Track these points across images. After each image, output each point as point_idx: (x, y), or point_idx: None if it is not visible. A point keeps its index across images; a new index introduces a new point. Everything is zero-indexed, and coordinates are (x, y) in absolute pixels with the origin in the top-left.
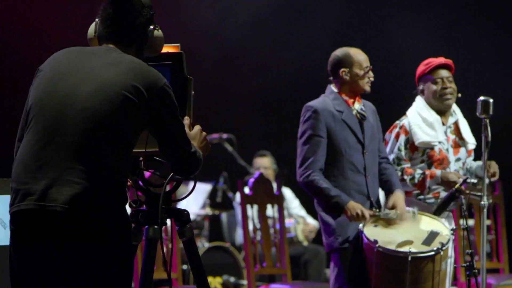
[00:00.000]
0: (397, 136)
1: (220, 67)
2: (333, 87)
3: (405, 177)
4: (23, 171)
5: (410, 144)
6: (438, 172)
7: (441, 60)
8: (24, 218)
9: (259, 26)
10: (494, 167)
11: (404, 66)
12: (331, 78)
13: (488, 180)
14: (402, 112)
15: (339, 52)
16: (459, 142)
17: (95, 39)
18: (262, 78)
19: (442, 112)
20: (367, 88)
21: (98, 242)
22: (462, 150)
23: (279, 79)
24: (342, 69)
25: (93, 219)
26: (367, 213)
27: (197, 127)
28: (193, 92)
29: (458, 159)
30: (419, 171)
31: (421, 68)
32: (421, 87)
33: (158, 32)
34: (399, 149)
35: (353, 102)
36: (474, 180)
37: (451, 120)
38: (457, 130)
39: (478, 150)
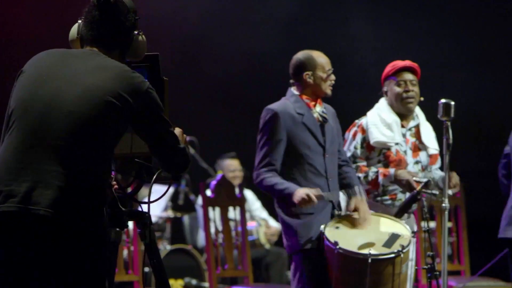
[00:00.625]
0: (355, 135)
1: (181, 68)
2: (294, 90)
3: (359, 174)
4: (5, 172)
5: (367, 144)
6: (391, 170)
7: (406, 63)
8: (5, 220)
9: (223, 22)
10: (455, 178)
11: (366, 68)
12: (292, 81)
13: (451, 191)
14: (362, 115)
15: (301, 55)
16: (419, 145)
17: (77, 41)
18: (223, 80)
19: (404, 114)
20: (329, 91)
21: (80, 245)
22: (423, 154)
23: (242, 82)
24: (306, 72)
25: (75, 222)
26: (313, 195)
27: (178, 129)
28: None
29: (417, 162)
30: (373, 169)
31: (386, 69)
32: (385, 88)
33: (142, 38)
34: (355, 148)
35: (314, 105)
36: (436, 192)
37: (412, 123)
38: (418, 134)
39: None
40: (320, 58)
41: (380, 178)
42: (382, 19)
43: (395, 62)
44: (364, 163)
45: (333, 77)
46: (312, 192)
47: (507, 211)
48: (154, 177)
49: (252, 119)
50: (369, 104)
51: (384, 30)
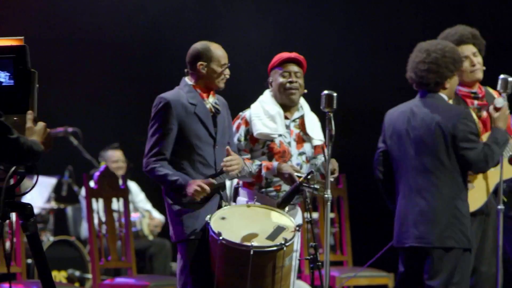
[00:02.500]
0: (238, 127)
1: (65, 60)
2: (188, 80)
3: None
4: None
5: (250, 136)
6: (274, 163)
7: (291, 54)
8: None
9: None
10: (334, 164)
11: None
12: (187, 70)
13: (331, 178)
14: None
15: (199, 45)
16: (304, 137)
17: None
18: (107, 70)
19: (288, 106)
20: (222, 85)
21: None
22: (307, 145)
23: (123, 72)
24: (200, 63)
25: None
26: (205, 186)
27: (41, 124)
28: (37, 85)
29: (301, 153)
30: (257, 162)
31: (273, 60)
32: (270, 79)
33: None
34: (238, 140)
35: (207, 96)
36: (317, 186)
37: (296, 115)
38: (302, 125)
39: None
40: (217, 50)
41: (263, 171)
42: (270, 10)
43: (282, 53)
44: (248, 156)
45: (227, 71)
46: (203, 182)
47: (399, 218)
48: (12, 170)
49: (136, 109)
50: (258, 96)
51: (272, 21)
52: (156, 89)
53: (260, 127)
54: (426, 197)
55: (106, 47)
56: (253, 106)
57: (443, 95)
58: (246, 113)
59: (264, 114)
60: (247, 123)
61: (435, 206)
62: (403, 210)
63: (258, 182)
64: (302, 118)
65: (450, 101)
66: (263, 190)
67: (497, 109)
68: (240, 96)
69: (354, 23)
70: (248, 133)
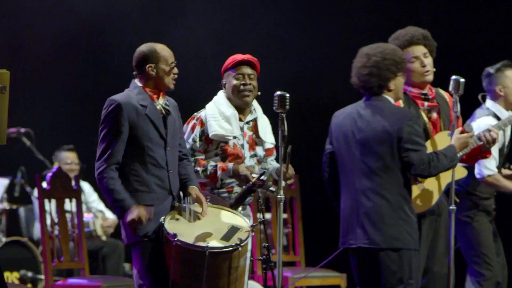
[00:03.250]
0: (193, 128)
1: (18, 60)
2: (137, 82)
3: (198, 168)
4: None
5: (205, 137)
6: (230, 165)
7: (245, 56)
8: None
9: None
10: (290, 172)
11: (204, 61)
12: (135, 72)
13: (284, 183)
14: (201, 108)
15: (144, 47)
16: (256, 140)
17: None
18: (60, 71)
19: (241, 108)
20: (172, 86)
21: None
22: (259, 148)
23: (76, 73)
24: (149, 65)
25: None
26: (144, 218)
27: None
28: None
29: (253, 155)
30: (212, 163)
31: (226, 62)
32: (224, 81)
33: None
34: (193, 141)
35: (158, 97)
36: (273, 189)
37: (249, 117)
38: (255, 128)
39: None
40: (164, 51)
41: (219, 172)
42: (221, 11)
43: (235, 55)
44: (203, 157)
45: (176, 70)
46: (144, 214)
47: (344, 219)
48: None
49: (89, 110)
50: (209, 96)
51: (223, 22)
52: (107, 90)
53: (216, 128)
54: (371, 199)
55: (58, 47)
56: (208, 106)
57: (388, 97)
58: (202, 114)
59: (219, 115)
60: (203, 123)
61: (380, 208)
62: (348, 211)
63: (213, 182)
64: (255, 120)
65: (400, 102)
66: (215, 191)
67: (463, 132)
68: (190, 97)
69: (306, 23)
70: (203, 133)
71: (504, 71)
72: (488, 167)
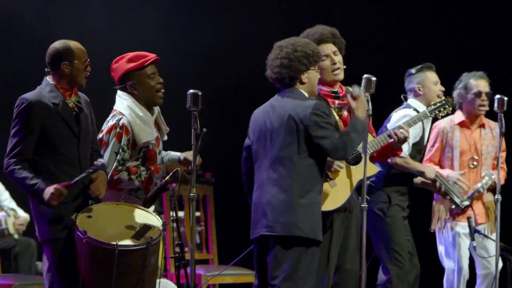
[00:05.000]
0: (119, 137)
1: None
2: (49, 79)
3: (132, 176)
4: None
5: (131, 144)
6: (163, 166)
7: (153, 56)
8: None
9: None
10: (189, 157)
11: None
12: (47, 69)
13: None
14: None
15: (59, 44)
16: (159, 135)
17: None
18: None
19: (150, 108)
20: (84, 83)
21: None
22: (161, 144)
23: None
24: (64, 62)
25: None
26: (62, 189)
27: None
28: None
29: (159, 152)
30: (142, 168)
31: (132, 63)
32: (132, 82)
33: None
34: (123, 150)
35: (70, 95)
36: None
37: (153, 116)
38: (157, 125)
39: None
40: (78, 49)
41: (154, 174)
42: (119, 8)
43: (137, 54)
44: (133, 164)
45: (89, 68)
46: (60, 187)
47: (252, 210)
48: None
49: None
50: (113, 94)
51: (121, 20)
52: (19, 87)
53: (145, 135)
54: (276, 187)
55: None
56: (126, 112)
57: (302, 90)
58: (124, 121)
59: (139, 121)
60: (128, 131)
61: (282, 196)
62: (256, 201)
63: (149, 185)
64: (156, 118)
65: None
66: (133, 192)
67: (354, 98)
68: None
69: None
70: (129, 141)
71: (425, 72)
72: None
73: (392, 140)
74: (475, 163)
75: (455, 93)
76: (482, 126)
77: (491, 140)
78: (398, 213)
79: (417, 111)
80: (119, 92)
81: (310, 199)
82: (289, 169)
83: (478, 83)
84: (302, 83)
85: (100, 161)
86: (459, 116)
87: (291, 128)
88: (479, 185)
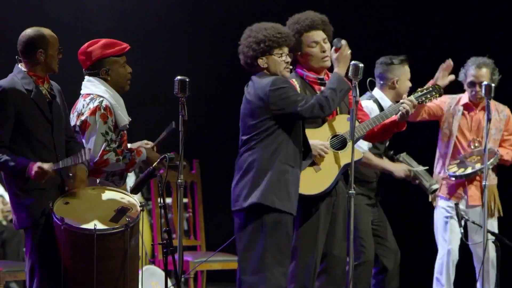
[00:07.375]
0: (105, 118)
1: None
2: (21, 66)
3: (120, 157)
4: None
5: (114, 125)
6: (143, 149)
7: (127, 45)
8: None
9: None
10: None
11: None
12: (18, 57)
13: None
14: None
15: (32, 32)
16: None
17: None
18: None
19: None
20: (57, 69)
21: None
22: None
23: None
24: (39, 50)
25: None
26: (45, 166)
27: None
28: None
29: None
30: (126, 151)
31: (109, 49)
32: (106, 68)
33: None
34: (110, 130)
35: (43, 82)
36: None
37: None
38: None
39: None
40: (51, 36)
41: (136, 157)
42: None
43: (111, 41)
44: (116, 146)
45: (61, 55)
46: (44, 164)
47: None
48: None
49: None
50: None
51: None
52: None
53: (123, 118)
54: (246, 162)
55: None
56: (106, 96)
57: (267, 74)
58: (107, 103)
59: (118, 105)
60: (111, 113)
61: (253, 171)
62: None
63: (132, 167)
64: None
65: (296, 85)
66: (110, 178)
67: (336, 50)
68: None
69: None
70: (112, 122)
71: (405, 65)
72: (359, 145)
73: (393, 116)
74: (476, 144)
75: (460, 75)
76: (483, 109)
77: (497, 122)
78: (363, 201)
79: (379, 103)
80: (89, 77)
81: (282, 172)
82: (260, 144)
83: (476, 72)
84: (261, 68)
85: (84, 153)
86: (465, 97)
87: (259, 108)
88: (478, 166)
